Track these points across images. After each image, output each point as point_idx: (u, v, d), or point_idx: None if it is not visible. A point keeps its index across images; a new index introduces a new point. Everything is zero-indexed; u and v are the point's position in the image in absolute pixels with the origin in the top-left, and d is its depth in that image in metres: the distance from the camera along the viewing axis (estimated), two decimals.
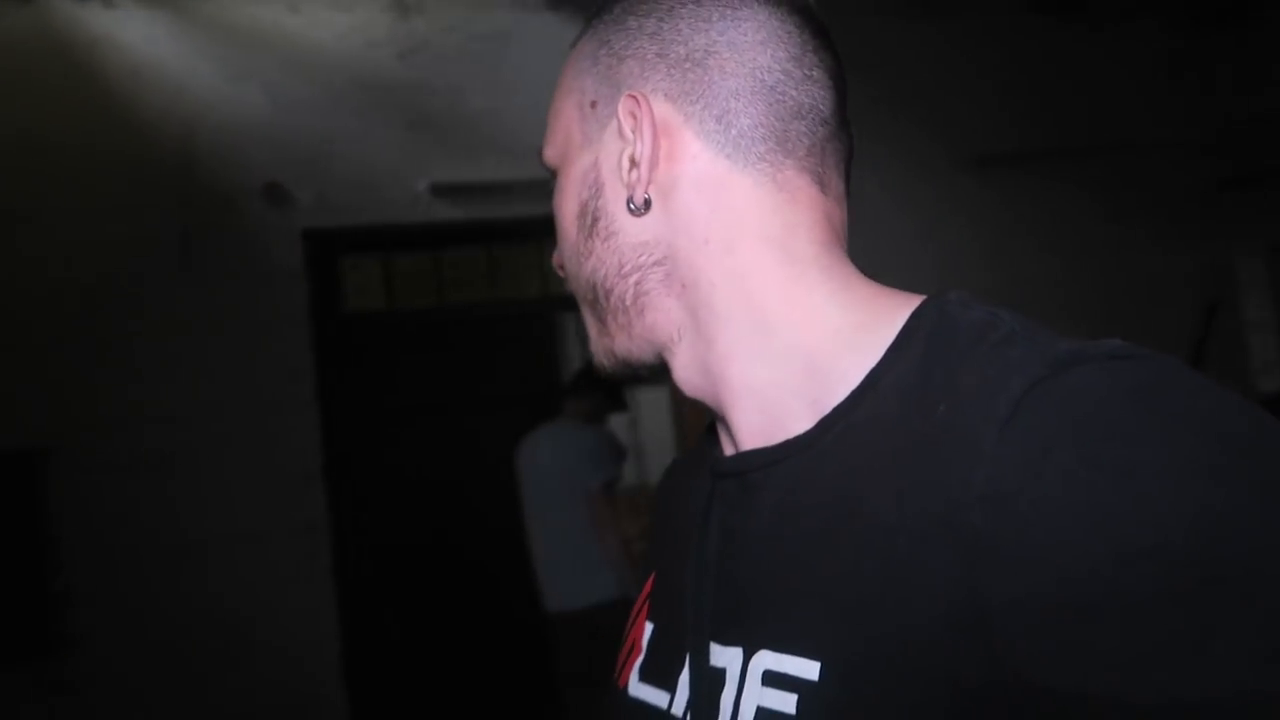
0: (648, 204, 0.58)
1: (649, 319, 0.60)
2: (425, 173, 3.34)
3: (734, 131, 0.57)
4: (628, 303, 0.60)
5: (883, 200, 3.70)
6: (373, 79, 3.34)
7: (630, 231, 0.59)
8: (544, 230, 3.14)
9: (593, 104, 0.60)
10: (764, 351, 0.57)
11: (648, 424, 4.01)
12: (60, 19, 3.10)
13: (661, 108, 0.57)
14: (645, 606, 0.70)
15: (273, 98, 3.22)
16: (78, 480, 2.90)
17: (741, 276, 0.57)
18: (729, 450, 0.63)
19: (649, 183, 0.57)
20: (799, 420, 0.56)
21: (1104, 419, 0.41)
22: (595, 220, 0.60)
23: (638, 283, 0.59)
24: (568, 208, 0.62)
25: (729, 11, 0.58)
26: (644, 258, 0.59)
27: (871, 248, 3.81)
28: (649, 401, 3.94)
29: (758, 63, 0.57)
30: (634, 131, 0.57)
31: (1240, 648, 0.36)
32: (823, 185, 0.63)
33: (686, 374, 0.61)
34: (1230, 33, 4.23)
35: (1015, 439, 0.42)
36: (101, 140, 3.06)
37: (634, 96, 0.57)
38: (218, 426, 3.03)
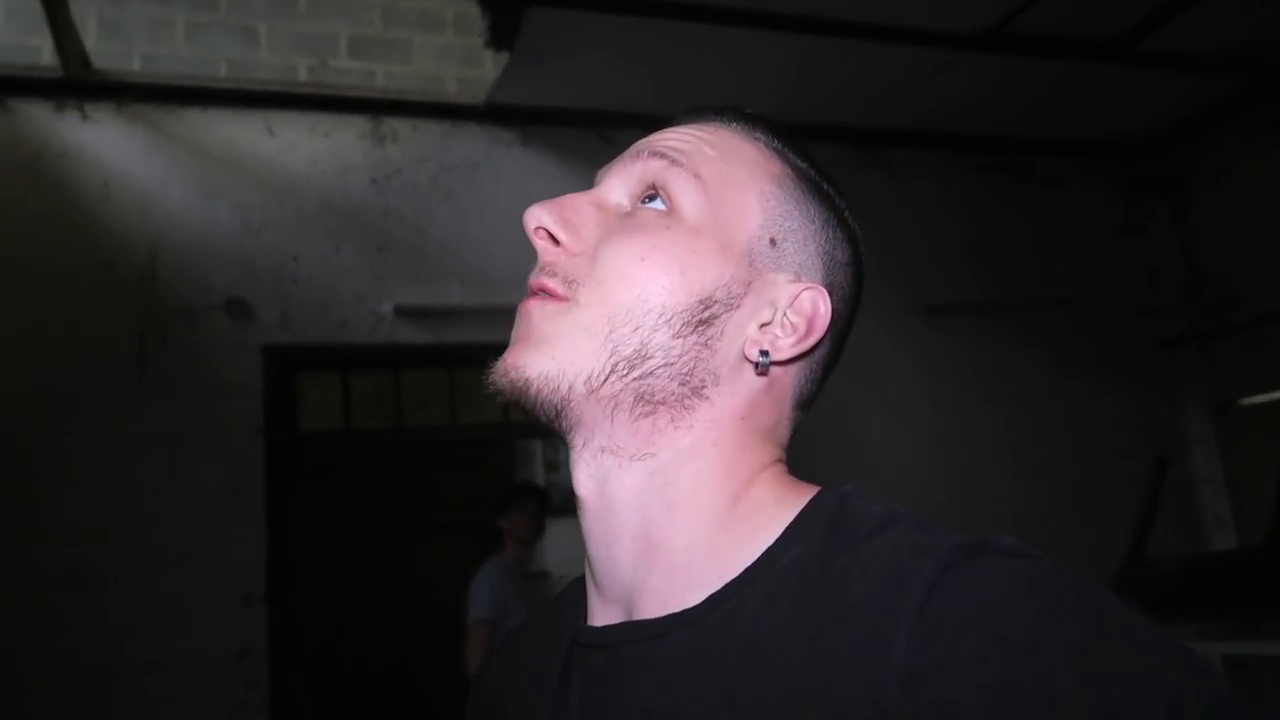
0: (765, 369, 0.61)
1: (650, 422, 0.59)
2: (389, 295, 3.37)
3: (825, 348, 0.66)
4: (655, 396, 0.59)
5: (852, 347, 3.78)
6: (344, 202, 3.40)
7: (720, 361, 0.60)
8: None
9: (773, 240, 0.64)
10: (706, 517, 0.59)
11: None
12: (33, 127, 3.14)
13: (824, 313, 0.63)
14: None
15: (243, 216, 3.25)
16: (13, 597, 2.75)
17: (739, 450, 0.61)
18: (600, 618, 0.62)
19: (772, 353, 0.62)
20: (694, 591, 0.57)
21: (1009, 606, 0.46)
22: (709, 323, 0.60)
23: (680, 396, 0.59)
24: (677, 260, 0.60)
25: (845, 237, 0.68)
26: (707, 387, 0.60)
27: (835, 388, 3.84)
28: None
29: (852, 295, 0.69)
30: (804, 320, 0.62)
31: None
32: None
33: (613, 490, 0.60)
34: (1170, 199, 4.50)
35: (931, 621, 0.46)
36: (66, 248, 3.06)
37: (822, 294, 0.63)
38: (158, 543, 2.92)
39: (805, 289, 0.63)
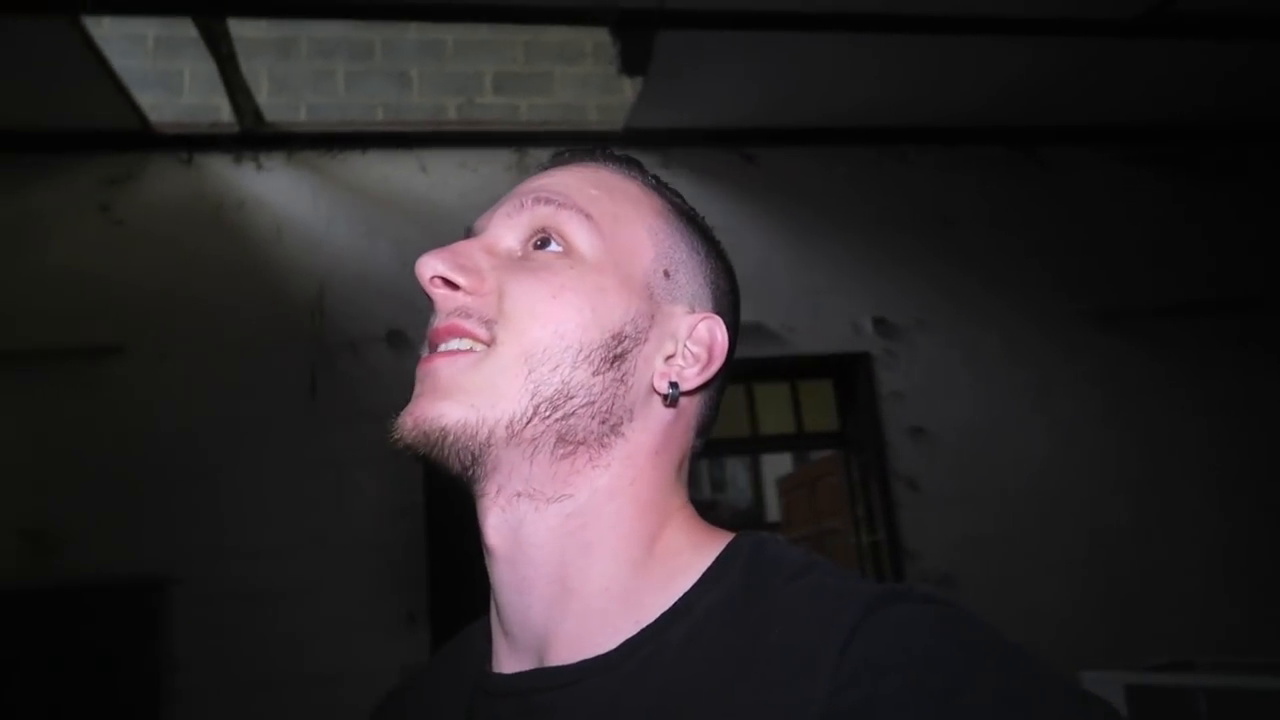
0: (674, 401, 0.62)
1: (569, 463, 0.58)
2: None
3: (721, 376, 0.66)
4: (575, 436, 0.58)
5: (1002, 354, 3.62)
6: None
7: (634, 396, 0.61)
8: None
9: (666, 272, 0.65)
10: (623, 559, 0.58)
11: None
12: (215, 179, 3.41)
13: (722, 341, 0.64)
14: None
15: (400, 251, 3.42)
16: (197, 611, 2.97)
17: (654, 487, 0.61)
18: (509, 666, 0.60)
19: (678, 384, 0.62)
20: (610, 637, 0.56)
21: (927, 651, 0.47)
22: (623, 358, 0.60)
23: (600, 435, 0.59)
24: (587, 298, 0.60)
25: (724, 268, 0.70)
26: (623, 424, 0.60)
27: (989, 402, 3.67)
28: None
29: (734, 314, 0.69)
30: (704, 349, 0.63)
31: None
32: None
33: (528, 535, 0.59)
34: None
35: (852, 662, 0.47)
36: (243, 287, 3.29)
37: (718, 322, 0.64)
38: (328, 561, 3.08)
39: (702, 319, 0.64)
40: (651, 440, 0.61)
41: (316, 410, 3.21)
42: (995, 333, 3.64)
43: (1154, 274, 3.83)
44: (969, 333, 3.63)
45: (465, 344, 0.59)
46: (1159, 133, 3.98)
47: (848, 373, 3.60)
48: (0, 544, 2.92)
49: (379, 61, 3.89)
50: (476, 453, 0.57)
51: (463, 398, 0.57)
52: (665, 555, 0.59)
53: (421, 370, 0.61)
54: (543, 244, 0.63)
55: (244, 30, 3.39)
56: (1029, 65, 3.33)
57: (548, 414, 0.57)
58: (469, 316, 0.60)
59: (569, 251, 0.62)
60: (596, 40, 3.94)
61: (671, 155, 3.65)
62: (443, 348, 0.60)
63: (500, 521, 0.59)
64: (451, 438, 0.56)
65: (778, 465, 6.36)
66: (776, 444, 3.98)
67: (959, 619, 0.49)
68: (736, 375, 3.62)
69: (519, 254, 0.64)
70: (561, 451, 0.58)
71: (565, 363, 0.58)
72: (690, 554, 0.59)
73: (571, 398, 0.58)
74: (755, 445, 3.99)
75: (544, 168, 0.70)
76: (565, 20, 2.99)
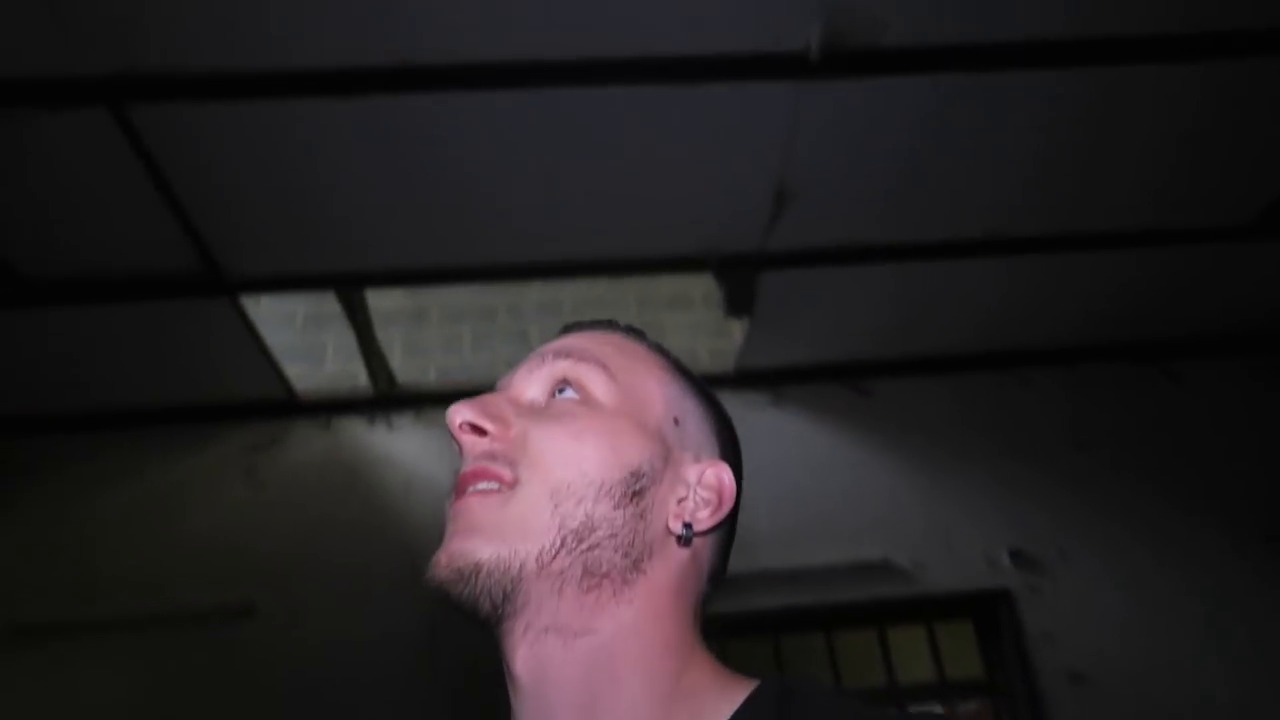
0: (688, 541, 0.65)
1: (595, 596, 0.60)
2: None
3: (729, 522, 0.71)
4: (600, 569, 0.60)
5: (1165, 584, 3.30)
6: None
7: (652, 533, 0.64)
8: (779, 625, 2.93)
9: (676, 420, 0.70)
10: (650, 695, 0.59)
11: None
12: (350, 440, 3.61)
13: (729, 486, 0.68)
14: None
15: None
16: None
17: (676, 626, 0.63)
18: None
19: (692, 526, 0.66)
20: None
21: None
22: (641, 495, 0.63)
23: (623, 569, 0.61)
24: (606, 437, 0.64)
25: (725, 420, 0.77)
26: (644, 560, 0.63)
27: (1154, 640, 3.28)
28: None
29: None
30: (714, 493, 0.68)
31: None
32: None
33: (556, 670, 0.58)
34: None
35: None
36: (372, 542, 3.37)
37: (725, 469, 0.69)
38: None
39: (710, 465, 0.69)
40: (670, 579, 0.64)
41: (436, 675, 3.15)
42: (1150, 559, 3.34)
43: None
44: (1120, 562, 3.35)
45: (492, 485, 0.63)
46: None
47: (988, 612, 3.33)
48: None
49: (502, 323, 4.16)
50: (509, 588, 0.58)
51: (494, 533, 0.60)
52: (690, 693, 0.61)
53: (453, 510, 0.64)
54: (561, 392, 0.68)
55: (381, 302, 3.71)
56: (1148, 277, 3.28)
57: (574, 545, 0.59)
58: (495, 459, 0.63)
59: (587, 399, 0.67)
60: (704, 289, 4.12)
61: (783, 393, 3.68)
62: (471, 490, 0.63)
63: (529, 655, 0.60)
64: (484, 572, 0.58)
65: None
66: (916, 694, 3.64)
67: None
68: (866, 618, 3.42)
69: (541, 404, 0.68)
70: (588, 584, 0.60)
71: (589, 497, 0.61)
72: (716, 694, 0.61)
73: (595, 530, 0.60)
74: (894, 695, 3.67)
75: (557, 336, 0.77)
76: (672, 269, 3.16)
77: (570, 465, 0.62)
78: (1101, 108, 2.46)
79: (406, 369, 3.88)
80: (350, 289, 3.12)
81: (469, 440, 0.66)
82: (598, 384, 0.67)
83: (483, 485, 0.63)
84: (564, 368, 0.69)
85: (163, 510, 3.42)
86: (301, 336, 3.99)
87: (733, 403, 3.76)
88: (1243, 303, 3.51)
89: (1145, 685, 3.12)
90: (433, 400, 3.69)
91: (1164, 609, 3.26)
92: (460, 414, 0.66)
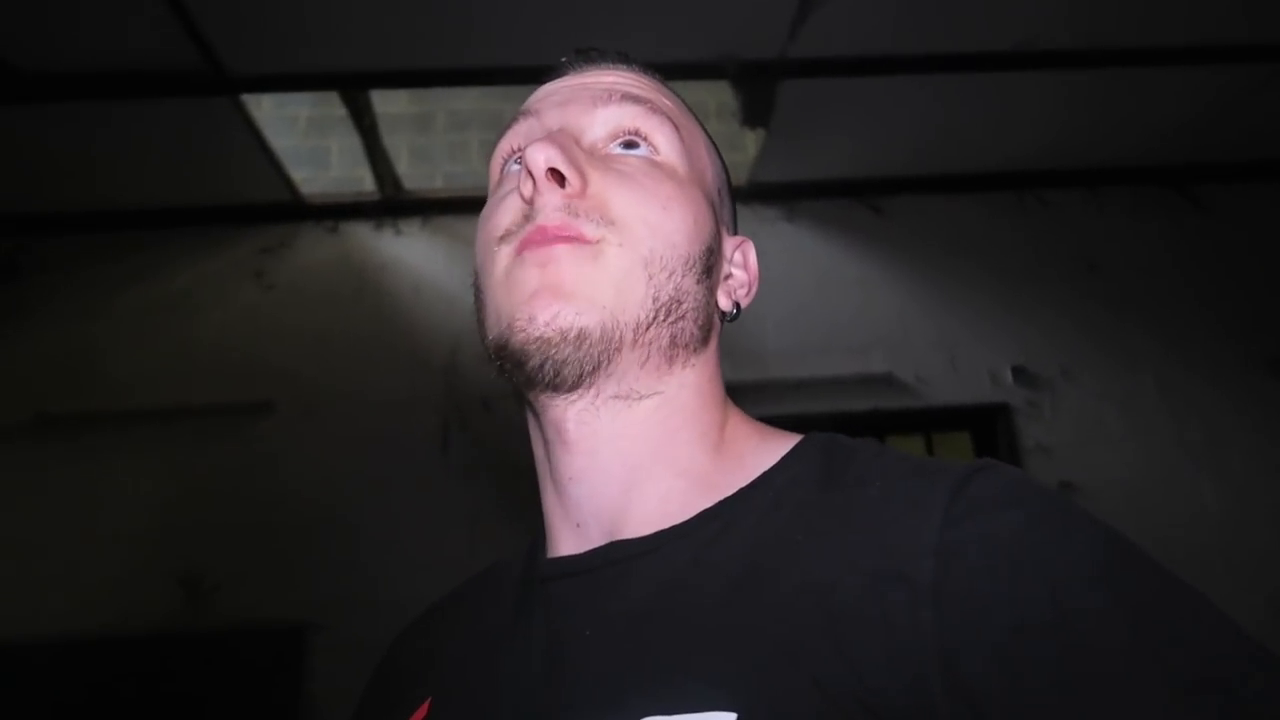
0: (734, 319, 0.67)
1: (669, 364, 0.59)
2: None
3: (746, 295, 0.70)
4: (681, 339, 0.60)
5: (1162, 404, 3.37)
6: None
7: (714, 306, 0.64)
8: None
9: (720, 191, 0.68)
10: (703, 443, 0.60)
11: None
12: (358, 245, 3.60)
13: (754, 266, 0.70)
14: None
15: None
16: (336, 657, 3.05)
17: (720, 383, 0.65)
18: (567, 550, 0.60)
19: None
20: (688, 513, 0.57)
21: (1039, 497, 0.49)
22: (711, 271, 0.63)
23: (698, 339, 0.61)
24: (690, 210, 0.61)
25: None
26: (710, 331, 0.64)
27: (1148, 457, 3.40)
28: None
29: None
30: (744, 271, 0.68)
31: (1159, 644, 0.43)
32: None
33: (618, 428, 0.59)
34: None
35: (966, 502, 0.49)
36: (382, 346, 3.44)
37: (751, 246, 0.70)
38: None
39: (741, 242, 0.69)
40: (716, 347, 0.65)
41: (449, 465, 3.29)
42: (1152, 382, 3.40)
43: None
44: (1122, 383, 3.41)
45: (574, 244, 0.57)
46: None
47: (986, 425, 3.42)
48: (157, 588, 3.09)
49: None
50: (605, 358, 0.56)
51: (595, 298, 0.55)
52: (734, 439, 0.62)
53: (534, 254, 0.56)
54: (630, 145, 0.62)
55: (386, 106, 3.59)
56: (1181, 99, 3.15)
57: (664, 318, 0.58)
58: (578, 216, 0.57)
59: (658, 160, 0.62)
60: (720, 100, 3.97)
61: (797, 208, 3.62)
62: (556, 238, 0.57)
63: (589, 417, 0.58)
64: (589, 341, 0.55)
65: None
66: None
67: (1036, 482, 0.52)
68: (868, 428, 3.52)
69: (602, 150, 0.62)
70: (670, 353, 0.59)
71: (678, 270, 0.59)
72: (758, 439, 0.63)
73: (681, 303, 0.59)
74: None
75: (578, 65, 0.68)
76: (689, 75, 3.02)
77: (659, 236, 0.58)
78: None
79: (413, 177, 3.81)
80: (354, 89, 3.02)
81: (547, 186, 0.57)
82: (670, 144, 0.62)
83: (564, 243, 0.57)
84: (635, 116, 0.62)
85: (177, 311, 3.46)
86: (305, 139, 3.90)
87: (745, 216, 3.72)
88: (1274, 130, 3.38)
89: (1137, 498, 3.25)
90: (440, 207, 3.65)
91: (1161, 430, 3.34)
92: (545, 155, 0.56)
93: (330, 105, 3.67)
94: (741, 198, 3.60)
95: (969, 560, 0.46)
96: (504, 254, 0.59)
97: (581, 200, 0.58)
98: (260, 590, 3.11)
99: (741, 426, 0.64)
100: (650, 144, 0.62)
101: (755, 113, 3.04)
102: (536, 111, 0.64)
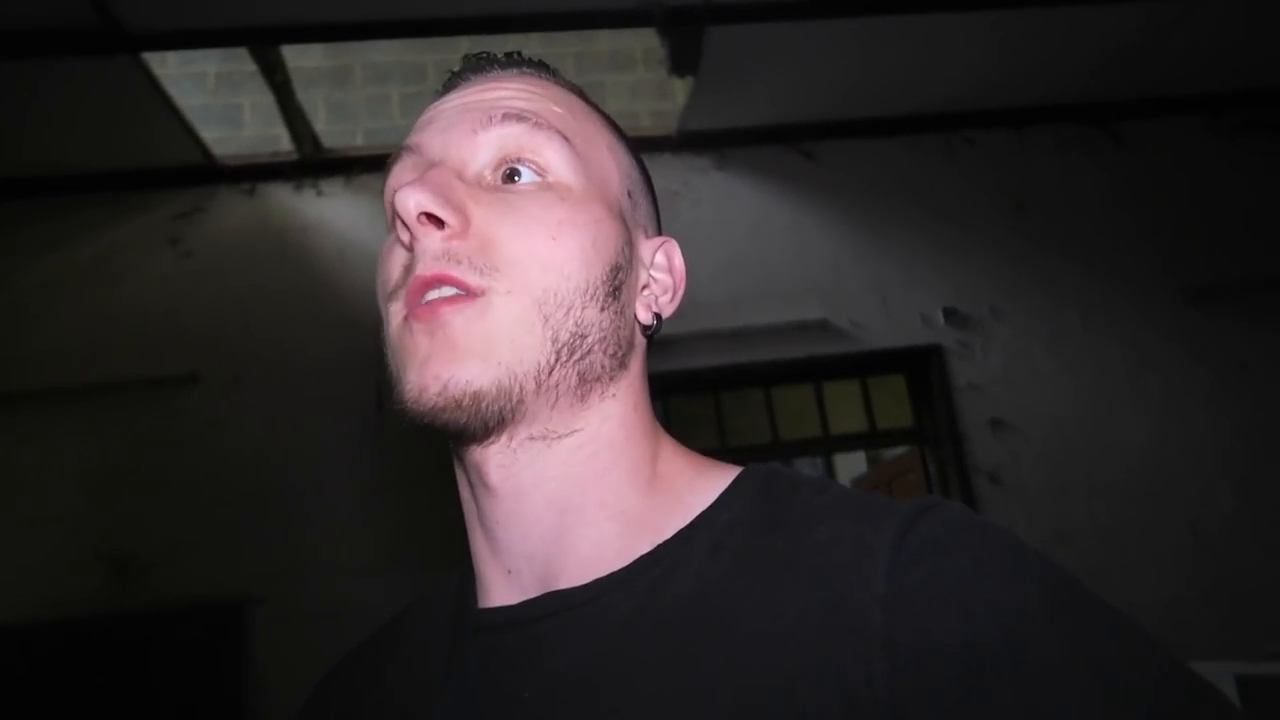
0: (658, 331, 0.62)
1: (583, 399, 0.56)
2: None
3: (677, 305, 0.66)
4: (591, 373, 0.56)
5: (1088, 338, 3.47)
6: None
7: (628, 327, 0.60)
8: (720, 382, 3.05)
9: (630, 194, 0.62)
10: (633, 480, 0.58)
11: None
12: (278, 207, 3.48)
13: (680, 266, 0.65)
14: None
15: None
16: (278, 631, 3.01)
17: (648, 411, 0.61)
18: (505, 600, 0.57)
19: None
20: (624, 559, 0.55)
21: (984, 540, 0.48)
22: (619, 290, 0.58)
23: (610, 369, 0.58)
24: (586, 231, 0.56)
25: (651, 185, 0.69)
26: (627, 355, 0.59)
27: (1076, 390, 3.49)
28: None
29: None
30: (667, 274, 0.64)
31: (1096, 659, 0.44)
32: None
33: (539, 471, 0.56)
34: None
35: (912, 548, 0.48)
36: (309, 311, 3.34)
37: (675, 246, 0.65)
38: (401, 580, 3.09)
39: (661, 244, 0.64)
40: (639, 367, 0.61)
41: (383, 427, 3.23)
42: (1079, 317, 3.49)
43: (1251, 246, 3.63)
44: (1049, 319, 3.49)
45: (458, 292, 0.53)
46: (1241, 99, 3.78)
47: (920, 367, 3.48)
48: (85, 570, 2.99)
49: (432, 83, 3.92)
50: (508, 411, 0.53)
51: (489, 355, 0.52)
52: (668, 474, 0.59)
53: (423, 322, 0.53)
54: (513, 175, 0.57)
55: (300, 60, 3.45)
56: (1103, 37, 3.19)
57: (568, 358, 0.54)
58: (459, 263, 0.53)
59: (550, 182, 0.57)
60: (646, 47, 3.90)
61: (727, 156, 3.60)
62: (432, 295, 0.53)
63: (507, 460, 0.56)
64: (486, 402, 0.52)
65: (852, 466, 6.22)
66: (849, 443, 3.87)
67: (978, 518, 0.51)
68: (804, 374, 3.56)
69: (488, 180, 0.57)
70: (580, 391, 0.56)
71: (576, 304, 0.55)
72: (693, 473, 0.60)
73: (585, 337, 0.55)
74: (827, 445, 3.90)
75: (464, 78, 0.63)
76: (613, 23, 2.97)
77: (552, 271, 0.54)
78: None
79: (332, 134, 3.68)
80: (264, 44, 2.88)
81: (422, 231, 0.53)
82: (560, 160, 0.57)
83: (448, 291, 0.53)
84: (517, 137, 0.57)
85: (89, 281, 3.31)
86: (215, 98, 3.73)
87: (675, 166, 3.69)
88: (1194, 66, 3.45)
89: (1065, 430, 3.35)
90: (363, 165, 3.53)
91: (1086, 365, 3.44)
92: (414, 200, 0.52)
93: (240, 61, 3.50)
94: (672, 147, 3.56)
95: (917, 608, 0.46)
96: (395, 315, 0.56)
97: (464, 242, 0.54)
98: (196, 566, 3.04)
99: (676, 460, 0.60)
100: (537, 165, 0.57)
101: (683, 60, 2.99)
102: (418, 146, 0.60)
